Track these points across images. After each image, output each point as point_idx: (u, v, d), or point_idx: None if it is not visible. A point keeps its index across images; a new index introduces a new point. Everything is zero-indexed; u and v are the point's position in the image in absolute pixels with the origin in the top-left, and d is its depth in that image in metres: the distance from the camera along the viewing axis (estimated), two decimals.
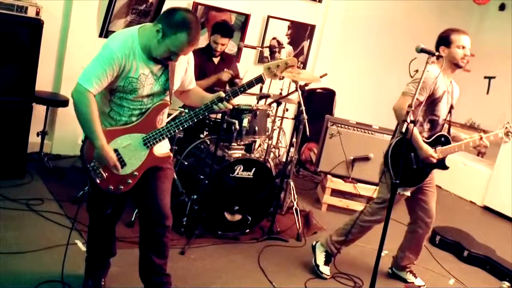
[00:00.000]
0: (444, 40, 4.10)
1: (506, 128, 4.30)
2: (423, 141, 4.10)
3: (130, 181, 3.15)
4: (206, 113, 3.17)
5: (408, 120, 3.55)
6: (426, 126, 4.18)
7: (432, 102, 4.10)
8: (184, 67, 3.23)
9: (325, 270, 4.44)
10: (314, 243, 4.61)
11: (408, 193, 4.24)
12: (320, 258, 4.50)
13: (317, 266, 4.46)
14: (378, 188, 4.35)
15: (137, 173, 3.14)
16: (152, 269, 3.32)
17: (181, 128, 3.16)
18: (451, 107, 4.25)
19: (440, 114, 4.18)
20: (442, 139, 4.20)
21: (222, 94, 3.15)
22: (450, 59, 4.09)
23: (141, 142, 3.11)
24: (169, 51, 2.94)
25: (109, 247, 3.57)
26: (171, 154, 3.34)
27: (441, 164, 4.24)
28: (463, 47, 4.07)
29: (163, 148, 3.27)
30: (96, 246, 3.53)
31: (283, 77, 5.30)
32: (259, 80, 3.20)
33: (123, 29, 3.24)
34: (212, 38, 5.46)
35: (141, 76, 3.01)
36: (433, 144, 4.16)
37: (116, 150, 3.07)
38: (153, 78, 3.06)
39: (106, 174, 3.09)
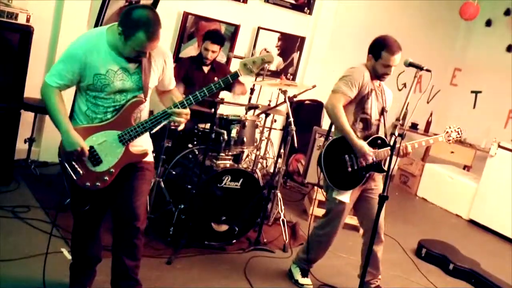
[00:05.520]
0: (375, 51, 4.07)
1: (447, 132, 4.34)
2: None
3: (106, 178, 3.16)
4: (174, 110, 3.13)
5: (396, 134, 3.58)
6: (359, 125, 4.11)
7: (361, 99, 4.08)
8: (161, 66, 3.25)
9: (305, 281, 4.43)
10: (289, 269, 4.58)
11: (345, 199, 4.12)
12: (296, 273, 4.48)
13: (296, 281, 4.44)
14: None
15: (113, 170, 3.16)
16: (123, 272, 3.31)
17: (157, 126, 3.17)
18: (383, 109, 4.17)
19: (370, 113, 4.11)
20: (379, 141, 4.12)
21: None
22: (373, 69, 4.11)
23: (116, 139, 3.14)
24: (135, 50, 2.98)
25: (92, 250, 3.51)
26: (148, 152, 3.30)
27: (378, 167, 4.14)
28: (389, 66, 4.03)
29: (143, 147, 3.28)
30: (80, 249, 3.49)
31: (259, 74, 5.34)
32: (235, 76, 3.20)
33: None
34: (203, 45, 5.52)
35: (109, 72, 3.04)
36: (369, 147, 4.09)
37: (92, 147, 3.10)
38: (125, 74, 3.09)
39: (83, 171, 3.12)
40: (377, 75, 4.11)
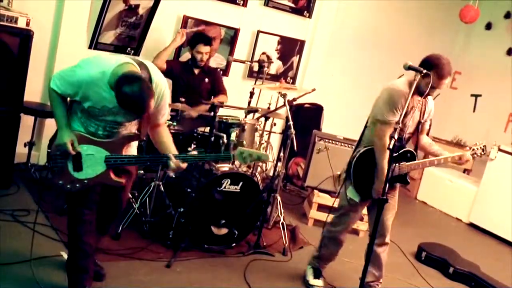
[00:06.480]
0: (425, 68, 3.83)
1: (473, 150, 4.30)
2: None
3: (78, 185, 3.34)
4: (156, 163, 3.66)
5: (396, 137, 3.59)
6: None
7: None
8: (157, 104, 3.34)
9: (316, 282, 4.47)
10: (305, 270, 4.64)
11: (356, 199, 4.19)
12: (309, 273, 4.53)
13: (307, 281, 4.49)
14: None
15: (87, 182, 3.35)
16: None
17: (143, 165, 3.68)
18: (419, 122, 4.16)
19: (404, 128, 4.09)
20: (408, 154, 4.15)
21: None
22: (419, 86, 3.94)
23: (102, 158, 3.32)
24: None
25: (87, 238, 3.50)
26: (124, 183, 3.51)
27: (403, 179, 4.20)
28: (433, 88, 3.93)
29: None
30: (75, 237, 3.50)
31: (250, 166, 5.48)
32: (228, 157, 3.47)
33: (105, 56, 3.39)
34: (195, 49, 5.55)
35: (104, 107, 3.23)
36: (398, 159, 4.08)
37: (79, 154, 3.30)
38: (119, 111, 3.22)
39: (62, 169, 3.32)
40: (420, 92, 4.00)
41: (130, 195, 4.54)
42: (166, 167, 3.38)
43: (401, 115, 3.77)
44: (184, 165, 3.31)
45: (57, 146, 3.28)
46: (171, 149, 3.41)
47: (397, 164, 4.04)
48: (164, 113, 3.46)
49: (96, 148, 3.32)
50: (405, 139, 4.19)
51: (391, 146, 3.54)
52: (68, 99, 3.33)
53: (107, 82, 3.13)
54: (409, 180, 4.28)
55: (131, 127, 3.44)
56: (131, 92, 2.98)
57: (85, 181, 3.34)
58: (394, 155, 3.99)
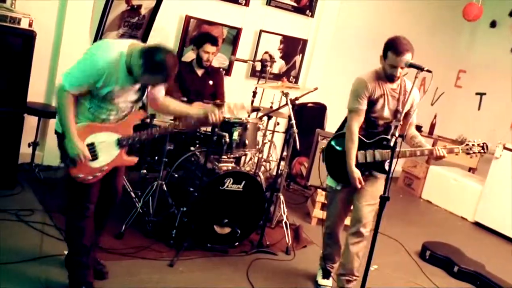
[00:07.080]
0: (384, 51, 4.01)
1: (467, 145, 4.09)
2: (361, 140, 4.07)
3: (98, 174, 3.45)
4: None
5: (397, 134, 3.59)
6: (364, 124, 4.09)
7: (369, 103, 4.06)
8: None
9: (324, 282, 4.49)
10: None
11: (336, 186, 4.25)
12: (319, 274, 4.57)
13: (316, 282, 4.52)
14: None
15: (106, 168, 3.48)
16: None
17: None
18: (397, 111, 4.06)
19: (377, 115, 4.08)
20: (384, 142, 4.08)
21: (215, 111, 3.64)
22: (384, 71, 4.06)
23: (115, 141, 3.47)
24: (147, 83, 3.45)
25: (86, 231, 3.56)
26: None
27: (379, 167, 4.11)
28: (394, 67, 3.95)
29: None
30: (75, 232, 3.57)
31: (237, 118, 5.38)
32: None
33: (111, 40, 3.49)
34: (202, 48, 5.50)
35: (120, 90, 3.33)
36: (373, 146, 4.09)
37: (93, 144, 3.40)
38: (133, 91, 3.41)
39: (80, 162, 3.37)
40: (387, 77, 4.05)
41: (125, 181, 4.72)
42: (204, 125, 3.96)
43: (371, 101, 3.99)
44: (222, 114, 3.65)
45: (72, 158, 3.33)
46: (188, 109, 3.76)
47: (362, 151, 4.09)
48: (161, 88, 3.65)
49: (106, 133, 3.44)
50: (380, 126, 4.12)
51: (391, 144, 3.55)
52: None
53: (124, 63, 3.26)
54: (386, 169, 4.07)
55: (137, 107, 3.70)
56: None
57: (104, 168, 3.46)
58: (368, 142, 4.08)
